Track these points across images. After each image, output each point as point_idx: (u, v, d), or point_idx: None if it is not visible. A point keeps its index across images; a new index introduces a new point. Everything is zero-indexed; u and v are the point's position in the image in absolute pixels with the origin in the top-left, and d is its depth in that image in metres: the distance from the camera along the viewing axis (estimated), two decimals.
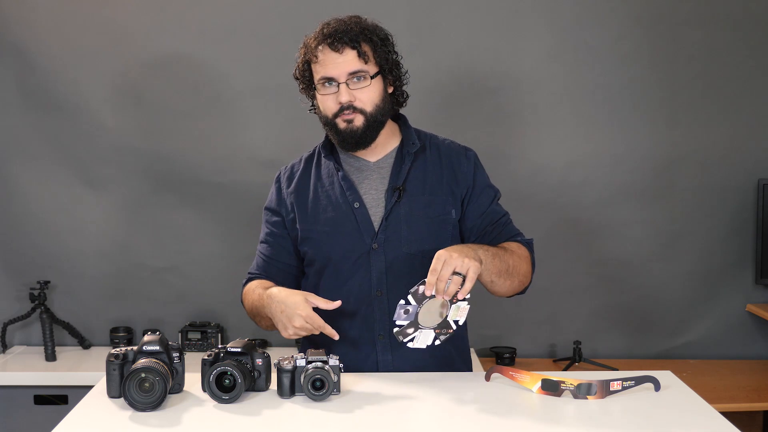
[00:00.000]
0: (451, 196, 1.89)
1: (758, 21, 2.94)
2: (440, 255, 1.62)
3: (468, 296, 1.64)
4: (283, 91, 2.90)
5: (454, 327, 1.69)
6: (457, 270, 1.60)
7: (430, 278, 1.60)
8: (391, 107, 1.91)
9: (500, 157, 2.87)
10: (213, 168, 2.97)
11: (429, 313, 1.66)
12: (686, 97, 2.96)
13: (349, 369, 1.81)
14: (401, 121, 1.96)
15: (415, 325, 1.67)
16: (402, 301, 1.65)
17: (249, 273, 1.97)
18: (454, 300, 1.65)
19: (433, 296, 1.63)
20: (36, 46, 2.91)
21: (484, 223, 1.91)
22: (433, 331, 1.68)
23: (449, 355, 1.91)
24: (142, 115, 2.96)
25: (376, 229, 1.85)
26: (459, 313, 1.68)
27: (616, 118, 2.96)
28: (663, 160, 2.98)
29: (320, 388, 1.58)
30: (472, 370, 1.97)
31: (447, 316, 1.67)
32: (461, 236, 1.93)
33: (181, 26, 2.93)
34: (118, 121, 2.95)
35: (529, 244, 1.92)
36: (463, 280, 1.61)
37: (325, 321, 1.74)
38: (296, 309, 1.71)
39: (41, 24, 2.91)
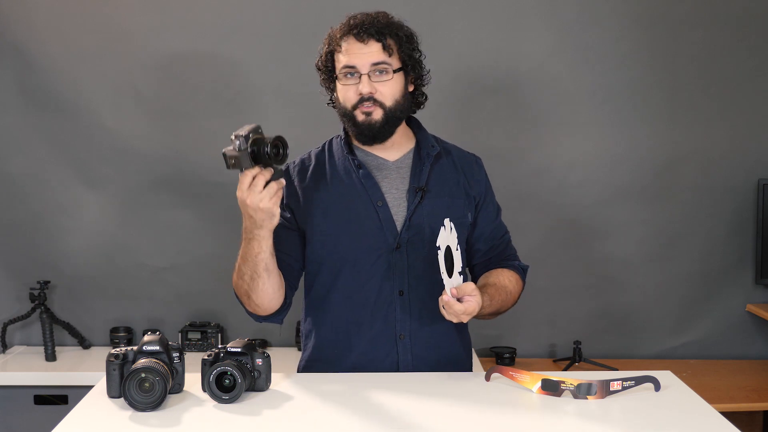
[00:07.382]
0: (467, 198, 1.91)
1: (758, 21, 2.94)
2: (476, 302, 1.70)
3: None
4: (284, 90, 2.92)
5: None
6: (464, 312, 1.69)
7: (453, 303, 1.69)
8: (410, 107, 1.90)
9: (500, 157, 2.87)
10: (213, 168, 2.95)
11: None
12: (686, 97, 2.96)
13: (368, 368, 1.81)
14: (414, 125, 1.96)
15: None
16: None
17: None
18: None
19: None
20: (36, 46, 2.90)
21: (490, 235, 1.95)
22: None
23: (460, 356, 1.93)
24: (141, 115, 2.95)
25: (399, 229, 1.84)
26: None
27: (616, 118, 2.96)
28: (663, 160, 2.98)
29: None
30: (471, 368, 1.99)
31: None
32: (468, 242, 1.94)
33: (181, 26, 2.92)
34: (118, 121, 2.95)
35: (524, 271, 1.96)
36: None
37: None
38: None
39: (41, 24, 2.91)
